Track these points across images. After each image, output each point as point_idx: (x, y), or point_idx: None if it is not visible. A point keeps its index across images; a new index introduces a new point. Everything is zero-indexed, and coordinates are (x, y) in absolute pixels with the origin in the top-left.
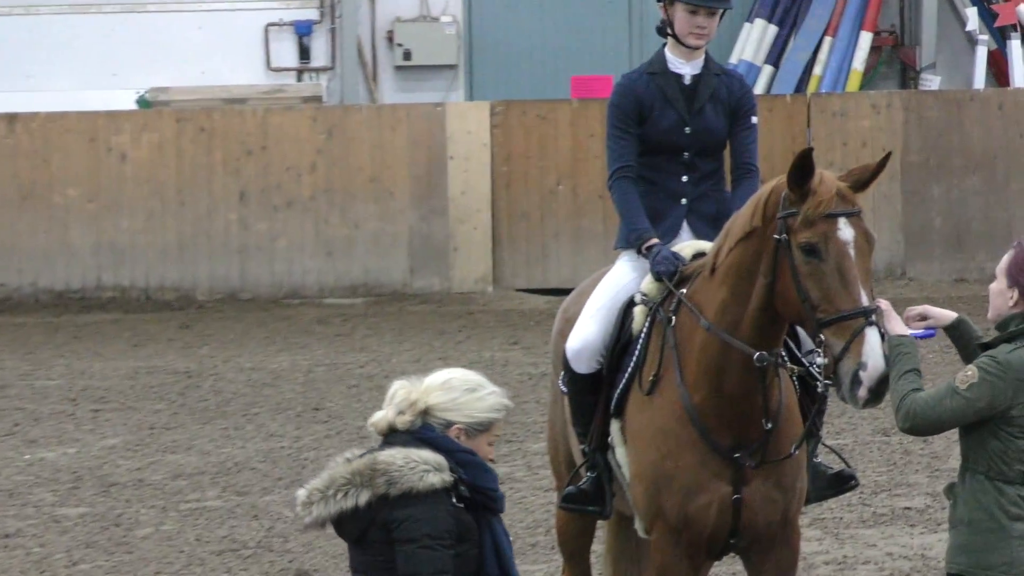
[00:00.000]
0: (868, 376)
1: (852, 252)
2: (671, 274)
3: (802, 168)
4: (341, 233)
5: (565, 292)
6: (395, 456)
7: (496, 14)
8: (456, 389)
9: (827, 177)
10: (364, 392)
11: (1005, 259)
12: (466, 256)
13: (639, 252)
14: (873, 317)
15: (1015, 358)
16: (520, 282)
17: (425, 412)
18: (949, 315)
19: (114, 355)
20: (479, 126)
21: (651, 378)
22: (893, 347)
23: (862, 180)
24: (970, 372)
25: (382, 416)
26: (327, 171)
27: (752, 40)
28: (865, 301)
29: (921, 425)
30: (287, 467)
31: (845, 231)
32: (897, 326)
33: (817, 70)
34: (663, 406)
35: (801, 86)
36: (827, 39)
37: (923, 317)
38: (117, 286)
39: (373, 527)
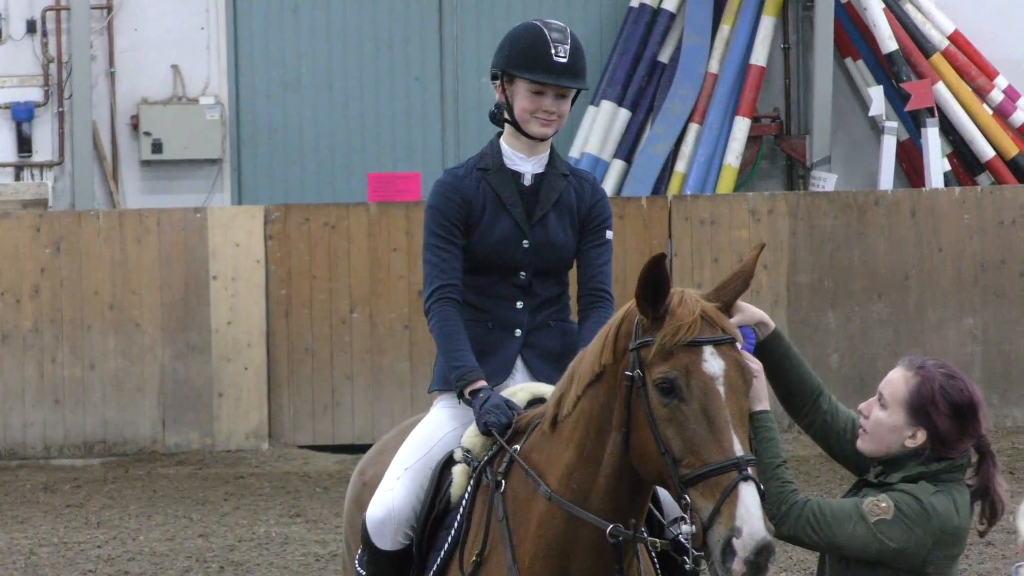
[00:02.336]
0: (743, 545)
1: (721, 389)
2: (502, 427)
3: (653, 281)
4: (72, 375)
5: (362, 449)
6: None
7: (271, 95)
8: None
9: (689, 295)
10: None
11: (902, 386)
12: (234, 404)
13: (461, 397)
14: (748, 470)
15: (940, 504)
16: (303, 437)
17: None
18: (760, 317)
19: None
20: (250, 237)
21: (474, 558)
22: (755, 428)
23: (733, 294)
24: (884, 505)
25: None
26: (53, 296)
27: (598, 128)
28: (738, 450)
29: (810, 538)
30: None
31: (712, 363)
32: (761, 398)
33: (680, 166)
34: None
35: (660, 186)
36: (693, 127)
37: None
38: None
39: None
